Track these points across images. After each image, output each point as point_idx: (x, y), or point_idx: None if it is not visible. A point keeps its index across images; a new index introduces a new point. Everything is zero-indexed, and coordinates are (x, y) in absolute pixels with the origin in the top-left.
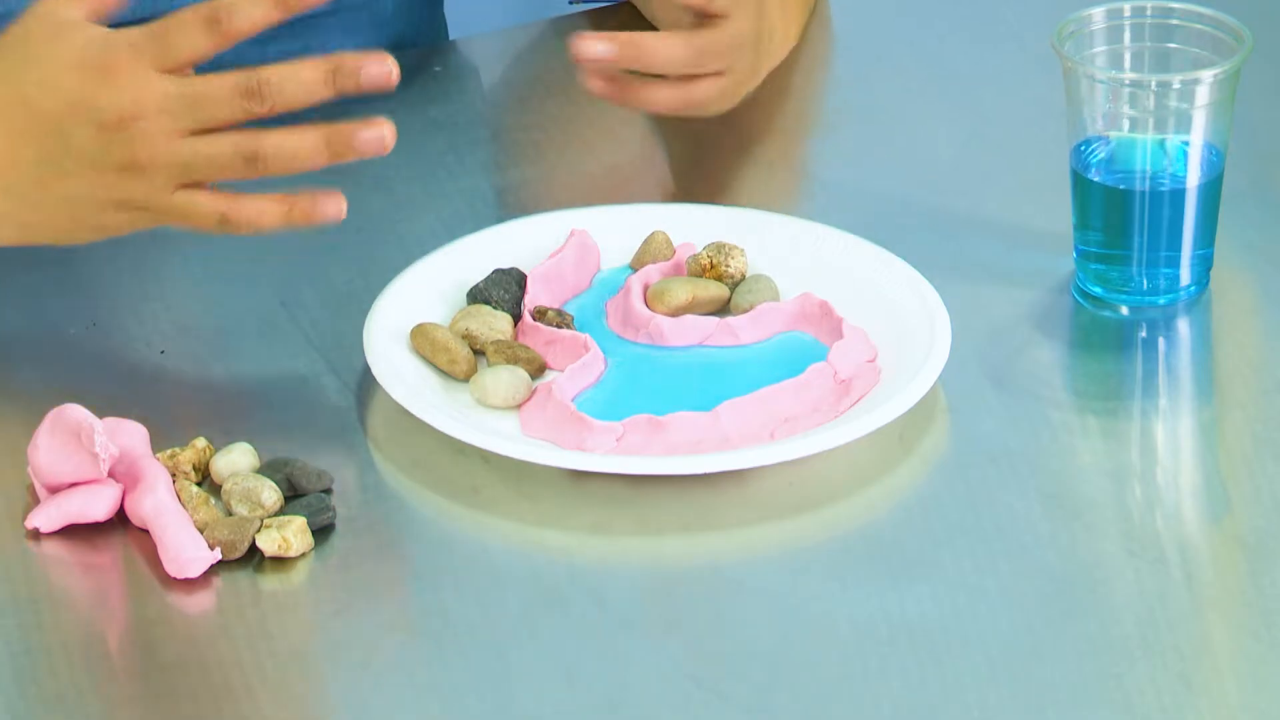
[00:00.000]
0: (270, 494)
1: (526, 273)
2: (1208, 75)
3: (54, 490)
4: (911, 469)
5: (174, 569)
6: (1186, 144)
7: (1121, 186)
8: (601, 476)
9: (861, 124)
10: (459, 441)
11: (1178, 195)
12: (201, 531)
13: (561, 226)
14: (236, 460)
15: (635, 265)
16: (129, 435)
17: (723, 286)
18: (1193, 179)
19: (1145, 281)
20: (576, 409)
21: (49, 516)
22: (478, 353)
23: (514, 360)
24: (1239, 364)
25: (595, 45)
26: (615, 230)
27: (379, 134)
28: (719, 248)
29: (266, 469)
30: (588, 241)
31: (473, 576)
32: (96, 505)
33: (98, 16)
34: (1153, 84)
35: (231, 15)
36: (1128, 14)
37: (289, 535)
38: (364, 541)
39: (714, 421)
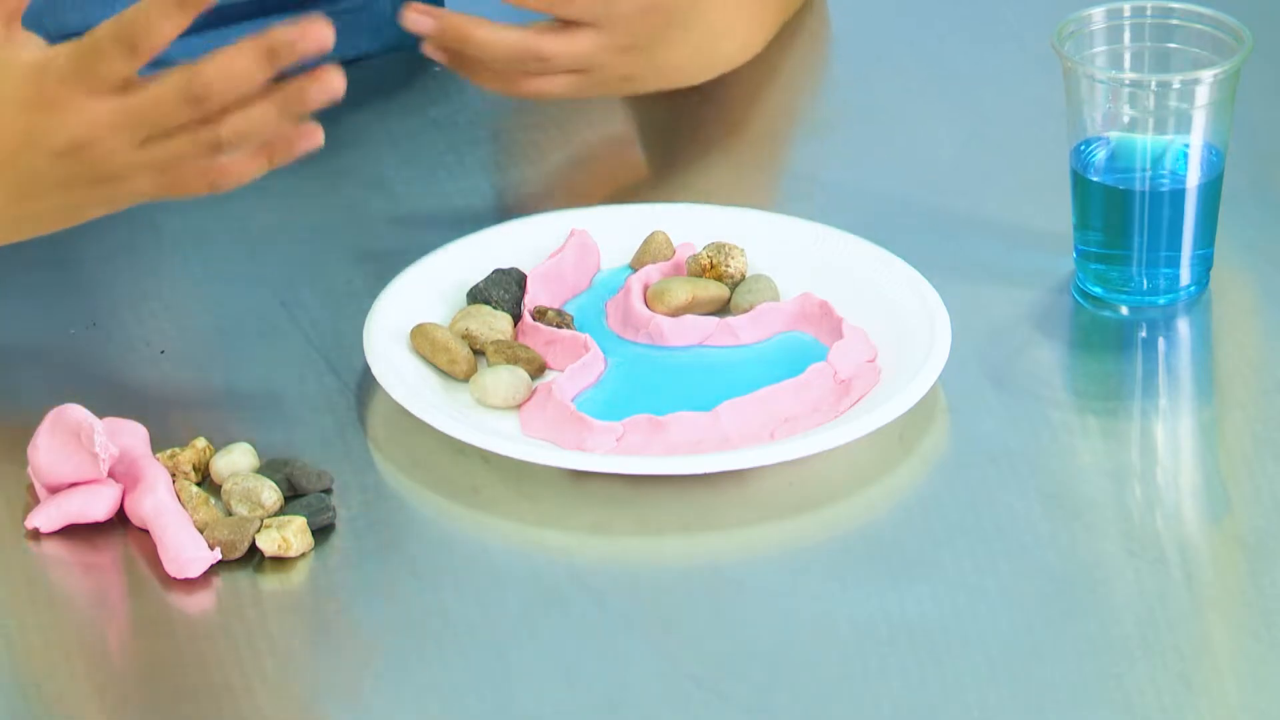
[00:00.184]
0: (270, 494)
1: (526, 273)
2: (1208, 75)
3: (54, 490)
4: (911, 469)
5: (174, 569)
6: (1186, 144)
7: (1121, 186)
8: (601, 476)
9: (861, 124)
10: (459, 441)
11: (1178, 195)
12: (201, 531)
13: (561, 226)
14: (236, 460)
15: (635, 265)
16: (129, 435)
17: (723, 286)
18: (1193, 179)
19: (1145, 281)
20: (576, 409)
21: (49, 516)
22: (478, 353)
23: (514, 360)
24: (1239, 364)
25: (420, 20)
26: (615, 230)
27: (328, 85)
28: (719, 248)
29: (266, 469)
30: (588, 241)
31: (473, 576)
32: (96, 505)
33: (12, 20)
34: (1153, 84)
35: (148, 34)
36: (1128, 14)
37: (289, 535)
38: (364, 541)
39: (714, 421)
